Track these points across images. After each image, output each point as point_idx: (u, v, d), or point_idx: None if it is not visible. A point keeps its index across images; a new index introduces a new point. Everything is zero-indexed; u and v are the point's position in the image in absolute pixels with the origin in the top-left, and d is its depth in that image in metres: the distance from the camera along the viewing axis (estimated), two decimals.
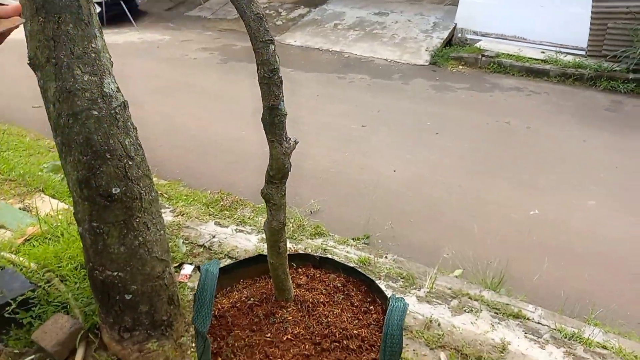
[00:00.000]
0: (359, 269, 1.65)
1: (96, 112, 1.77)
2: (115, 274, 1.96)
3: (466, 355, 2.30)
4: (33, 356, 2.24)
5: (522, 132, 5.42)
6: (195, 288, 2.60)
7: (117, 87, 1.88)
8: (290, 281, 1.53)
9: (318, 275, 1.67)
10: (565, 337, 2.50)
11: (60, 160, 1.90)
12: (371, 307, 1.55)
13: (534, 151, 4.96)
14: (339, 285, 1.62)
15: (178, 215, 3.36)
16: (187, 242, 3.06)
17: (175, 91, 6.70)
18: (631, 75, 6.49)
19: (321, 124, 5.53)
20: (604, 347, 2.47)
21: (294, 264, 1.67)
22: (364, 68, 7.53)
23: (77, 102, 1.72)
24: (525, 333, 2.49)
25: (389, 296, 1.51)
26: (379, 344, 1.43)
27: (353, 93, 6.56)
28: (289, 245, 3.19)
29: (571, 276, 3.25)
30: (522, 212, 3.95)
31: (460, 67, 7.44)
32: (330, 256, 3.05)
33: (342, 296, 1.58)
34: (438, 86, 6.75)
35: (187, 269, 2.76)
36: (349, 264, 1.73)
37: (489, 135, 5.31)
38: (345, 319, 1.49)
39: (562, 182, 4.38)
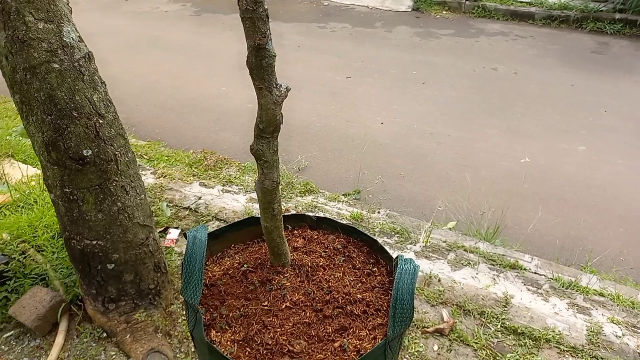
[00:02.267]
0: (359, 228, 1.52)
1: (57, 65, 1.57)
2: (95, 242, 1.81)
3: (469, 310, 2.23)
4: (12, 332, 2.11)
5: (509, 78, 5.28)
6: (183, 254, 2.48)
7: (79, 37, 1.67)
8: (287, 244, 1.41)
9: (316, 237, 1.55)
10: (563, 287, 2.46)
11: (22, 121, 1.71)
12: (374, 269, 1.44)
13: (522, 97, 4.84)
14: (338, 246, 1.50)
15: (160, 177, 3.17)
16: (171, 205, 2.89)
17: (148, 47, 6.34)
18: (618, 15, 6.33)
19: (305, 77, 5.30)
20: (601, 295, 2.44)
21: (289, 226, 1.54)
22: (345, 16, 7.22)
23: (34, 54, 1.51)
24: (525, 284, 2.43)
25: (393, 256, 1.41)
26: (385, 308, 1.33)
27: (335, 43, 6.29)
28: None
29: (565, 223, 3.20)
30: (513, 160, 3.87)
31: (444, 12, 7.17)
32: (322, 214, 2.95)
33: (343, 258, 1.46)
34: (422, 33, 6.51)
35: (173, 234, 2.61)
36: (343, 222, 1.61)
37: (476, 83, 5.16)
38: (348, 283, 1.38)
39: (552, 128, 4.30)
